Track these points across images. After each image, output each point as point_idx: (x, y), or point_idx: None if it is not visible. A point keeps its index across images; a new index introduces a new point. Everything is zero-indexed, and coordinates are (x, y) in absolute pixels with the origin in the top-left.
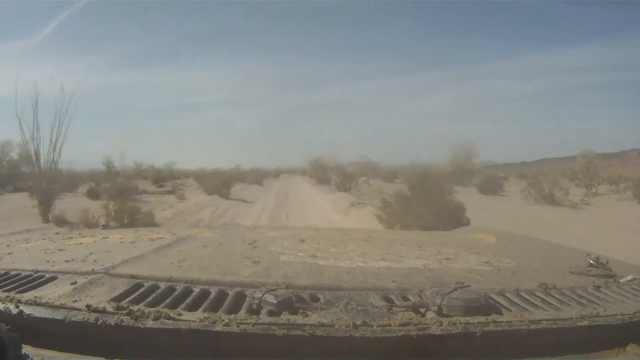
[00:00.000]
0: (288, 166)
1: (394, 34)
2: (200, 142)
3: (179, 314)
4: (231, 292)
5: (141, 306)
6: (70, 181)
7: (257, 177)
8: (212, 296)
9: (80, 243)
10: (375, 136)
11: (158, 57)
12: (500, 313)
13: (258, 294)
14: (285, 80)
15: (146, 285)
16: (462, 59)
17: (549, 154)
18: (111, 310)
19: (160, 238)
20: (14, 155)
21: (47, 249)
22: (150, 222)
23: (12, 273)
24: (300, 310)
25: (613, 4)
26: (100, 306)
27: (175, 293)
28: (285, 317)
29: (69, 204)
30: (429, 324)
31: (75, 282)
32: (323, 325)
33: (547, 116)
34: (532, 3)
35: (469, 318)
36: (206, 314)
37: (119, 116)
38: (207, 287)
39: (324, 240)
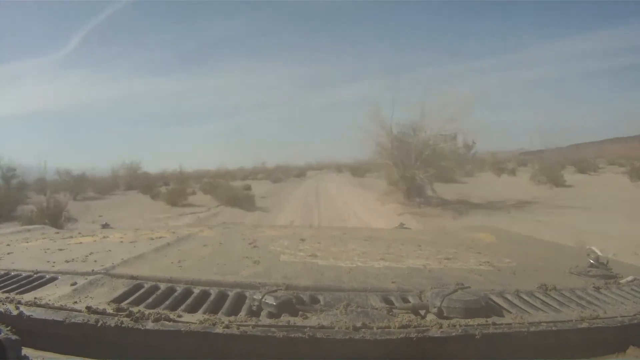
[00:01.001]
0: (318, 162)
1: (415, 28)
2: (228, 143)
3: (179, 316)
4: (231, 294)
5: (141, 307)
6: None
7: (272, 176)
8: (212, 297)
9: (80, 242)
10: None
11: (183, 65)
12: (500, 315)
13: (258, 296)
14: (310, 80)
15: (146, 286)
16: (483, 50)
17: (579, 139)
18: (111, 311)
19: (160, 237)
20: None
21: (47, 249)
22: None
23: (13, 274)
24: (300, 312)
25: None
26: (100, 308)
27: (175, 294)
28: (285, 319)
29: None
30: (429, 326)
31: (75, 283)
32: (323, 327)
33: (574, 101)
34: None
35: (469, 320)
36: (206, 316)
37: (144, 123)
38: (207, 288)
39: (324, 239)
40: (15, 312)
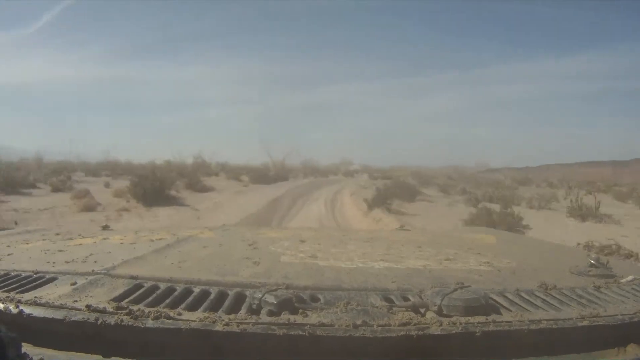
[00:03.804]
0: (277, 162)
1: (394, 36)
2: (191, 136)
3: (179, 314)
4: (231, 293)
5: (141, 306)
6: None
7: None
8: (212, 296)
9: (81, 244)
10: (375, 138)
11: (154, 53)
12: (500, 313)
13: (258, 294)
14: (283, 79)
15: (146, 285)
16: (462, 62)
17: (553, 159)
18: (111, 310)
19: (160, 239)
20: None
21: (47, 250)
22: None
23: (13, 274)
24: (300, 310)
25: (622, 12)
26: (100, 306)
27: (175, 293)
28: (285, 317)
29: None
30: (429, 323)
31: (75, 283)
32: (323, 325)
33: (551, 122)
34: (538, 10)
35: (469, 318)
36: (206, 314)
37: (109, 109)
38: (207, 287)
39: (324, 240)
40: (15, 311)
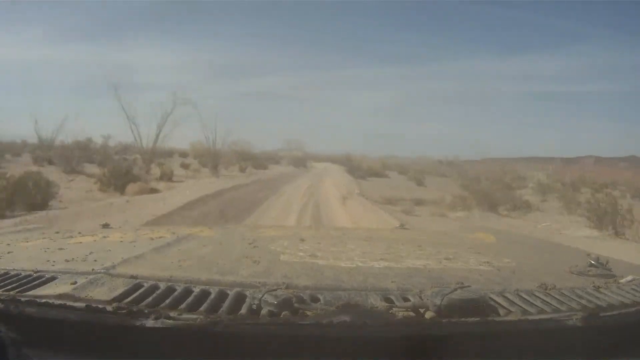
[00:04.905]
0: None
1: (337, 27)
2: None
3: (179, 314)
4: (231, 293)
5: (141, 306)
6: None
7: None
8: (212, 296)
9: (80, 242)
10: (314, 128)
11: (90, 35)
12: (500, 313)
13: (258, 294)
14: (225, 67)
15: (146, 285)
16: (403, 57)
17: (495, 153)
18: (111, 310)
19: (160, 237)
20: None
21: (47, 248)
22: None
23: (12, 273)
24: (300, 311)
25: (571, 17)
26: (100, 306)
27: (175, 293)
28: (285, 317)
29: None
30: (429, 324)
31: (75, 282)
32: (323, 325)
33: (498, 120)
34: (482, 9)
35: (469, 318)
36: (206, 314)
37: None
38: (207, 287)
39: (323, 239)
40: (15, 311)
